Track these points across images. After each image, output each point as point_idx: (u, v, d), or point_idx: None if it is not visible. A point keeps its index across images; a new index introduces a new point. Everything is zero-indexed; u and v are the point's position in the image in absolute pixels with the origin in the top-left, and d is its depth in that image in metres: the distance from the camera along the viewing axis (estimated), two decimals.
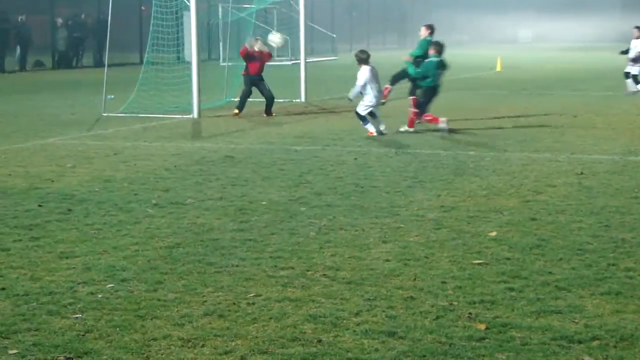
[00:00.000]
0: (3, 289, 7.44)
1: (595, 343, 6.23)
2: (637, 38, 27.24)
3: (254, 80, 21.57)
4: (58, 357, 5.97)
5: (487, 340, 6.27)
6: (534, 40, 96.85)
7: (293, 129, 18.79)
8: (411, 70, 19.01)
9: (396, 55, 56.25)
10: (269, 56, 22.17)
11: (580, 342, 6.25)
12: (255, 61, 21.60)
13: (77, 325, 6.55)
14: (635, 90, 26.83)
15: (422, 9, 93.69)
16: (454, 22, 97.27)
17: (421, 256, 8.51)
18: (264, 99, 21.58)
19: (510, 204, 11.00)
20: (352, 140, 16.96)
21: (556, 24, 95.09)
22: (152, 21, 23.09)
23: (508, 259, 8.41)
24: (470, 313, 6.83)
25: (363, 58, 17.99)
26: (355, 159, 14.64)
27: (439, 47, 18.74)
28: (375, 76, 17.90)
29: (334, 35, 58.10)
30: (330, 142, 16.64)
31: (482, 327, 6.52)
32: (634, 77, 27.24)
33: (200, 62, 21.49)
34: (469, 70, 42.28)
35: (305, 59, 26.56)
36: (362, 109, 17.80)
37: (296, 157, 14.82)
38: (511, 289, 7.44)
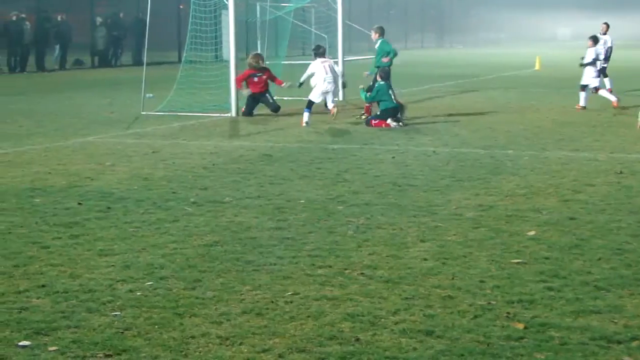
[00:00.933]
0: (43, 286, 7.51)
1: (635, 343, 6.19)
2: (605, 33, 26.10)
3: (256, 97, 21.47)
4: (97, 354, 6.01)
5: (525, 339, 6.25)
6: (573, 38, 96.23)
7: (330, 128, 18.79)
8: (363, 96, 19.80)
9: (434, 54, 56.18)
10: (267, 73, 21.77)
11: (619, 342, 6.21)
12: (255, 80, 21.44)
13: (116, 322, 6.60)
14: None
15: (460, 8, 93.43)
16: (492, 20, 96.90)
17: (459, 255, 8.49)
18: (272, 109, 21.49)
19: (549, 203, 10.94)
20: (390, 139, 16.94)
21: (596, 22, 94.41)
22: (190, 20, 23.18)
23: (547, 258, 8.37)
24: (508, 312, 6.80)
25: (316, 52, 20.80)
26: (393, 157, 14.62)
27: (385, 75, 19.57)
28: (324, 68, 19.97)
29: None
30: (367, 141, 16.63)
31: (521, 326, 6.49)
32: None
33: (238, 60, 21.57)
34: (507, 68, 42.11)
35: (343, 57, 26.53)
36: (315, 95, 19.72)
37: (334, 155, 14.83)
38: (550, 289, 7.40)
